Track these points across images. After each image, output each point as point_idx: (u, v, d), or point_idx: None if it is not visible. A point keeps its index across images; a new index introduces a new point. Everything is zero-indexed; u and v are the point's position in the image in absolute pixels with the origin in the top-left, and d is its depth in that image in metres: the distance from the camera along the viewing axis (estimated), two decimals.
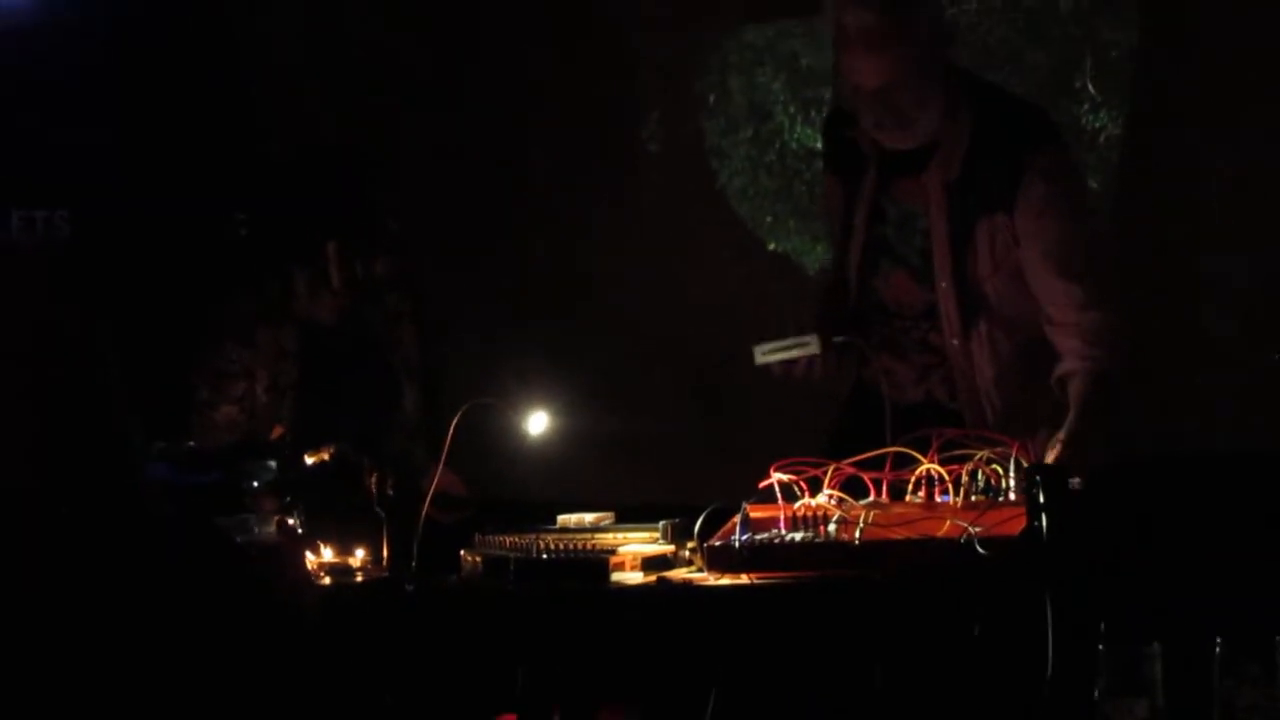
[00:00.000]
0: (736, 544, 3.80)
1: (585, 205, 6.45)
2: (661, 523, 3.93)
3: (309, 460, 4.32)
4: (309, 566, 4.06)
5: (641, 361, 6.13)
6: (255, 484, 4.18)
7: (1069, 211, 4.58)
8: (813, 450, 4.03)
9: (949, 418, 4.51)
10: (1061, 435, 4.39)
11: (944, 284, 4.56)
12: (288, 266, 4.93)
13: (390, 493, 4.17)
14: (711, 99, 6.56)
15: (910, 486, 3.88)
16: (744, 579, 3.74)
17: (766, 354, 4.47)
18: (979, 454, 3.88)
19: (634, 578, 3.80)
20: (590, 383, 4.98)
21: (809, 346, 4.45)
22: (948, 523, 3.71)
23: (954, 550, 3.62)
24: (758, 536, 3.82)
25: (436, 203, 6.09)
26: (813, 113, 6.29)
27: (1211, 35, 5.77)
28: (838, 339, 4.48)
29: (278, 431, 4.79)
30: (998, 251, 4.53)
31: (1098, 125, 6.04)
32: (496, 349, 5.38)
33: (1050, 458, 4.35)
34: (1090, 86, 6.02)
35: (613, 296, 6.36)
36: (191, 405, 4.99)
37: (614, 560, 3.82)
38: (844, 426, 4.69)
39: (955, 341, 4.58)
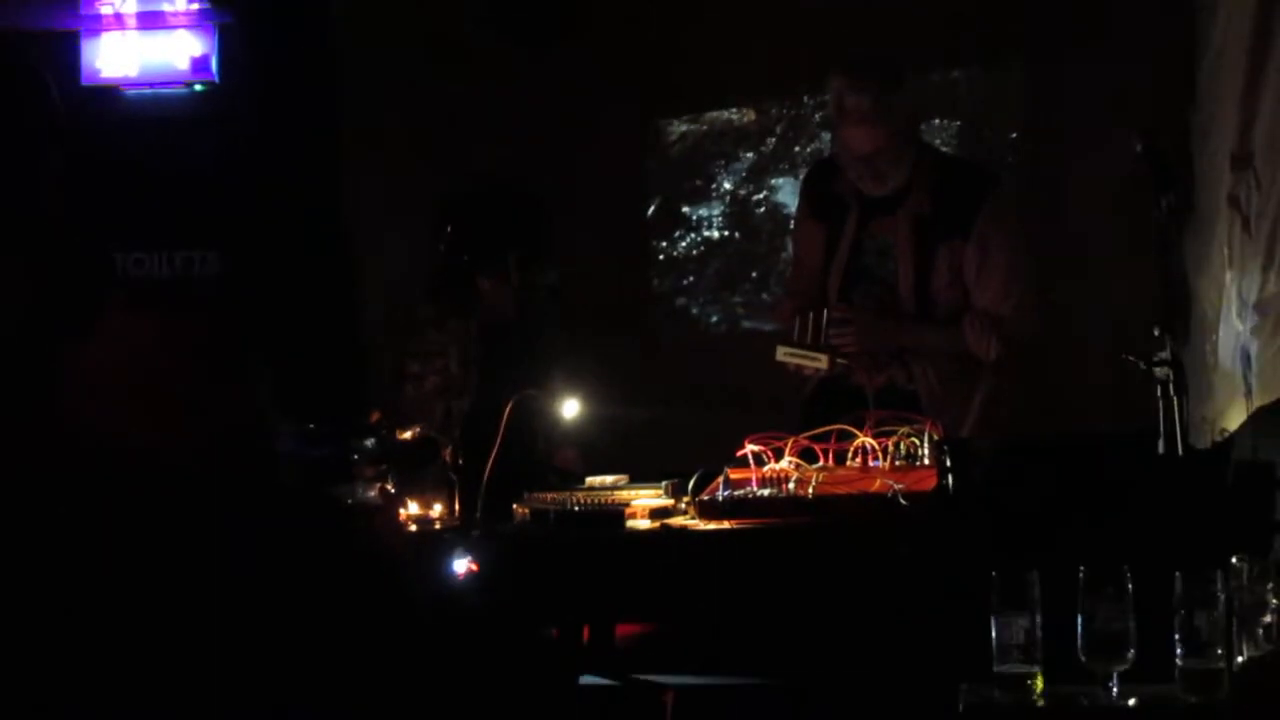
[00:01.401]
0: (720, 498, 3.81)
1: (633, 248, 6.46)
2: (664, 482, 3.93)
3: (400, 437, 4.34)
4: (400, 519, 4.09)
5: (656, 366, 6.15)
6: (358, 456, 4.20)
7: (1014, 233, 4.72)
8: (781, 428, 4.06)
9: (907, 397, 4.58)
10: (977, 405, 4.48)
11: (907, 296, 4.62)
12: (475, 274, 5.01)
13: (460, 462, 4.18)
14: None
15: (850, 455, 3.91)
16: (725, 525, 3.74)
17: (785, 355, 4.53)
18: (901, 430, 3.91)
19: (643, 524, 3.79)
20: (616, 379, 4.98)
21: (819, 362, 4.50)
22: (878, 482, 3.72)
23: (883, 502, 3.64)
24: (736, 493, 3.83)
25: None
26: None
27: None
28: (840, 360, 4.52)
29: (375, 416, 4.80)
30: (951, 269, 4.62)
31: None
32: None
33: (969, 424, 4.44)
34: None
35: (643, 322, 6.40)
36: (405, 377, 5.09)
37: (628, 511, 3.81)
38: (814, 408, 4.72)
39: None
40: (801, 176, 4.71)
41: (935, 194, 4.62)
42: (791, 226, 5.08)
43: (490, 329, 5.10)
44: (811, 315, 4.48)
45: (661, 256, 6.73)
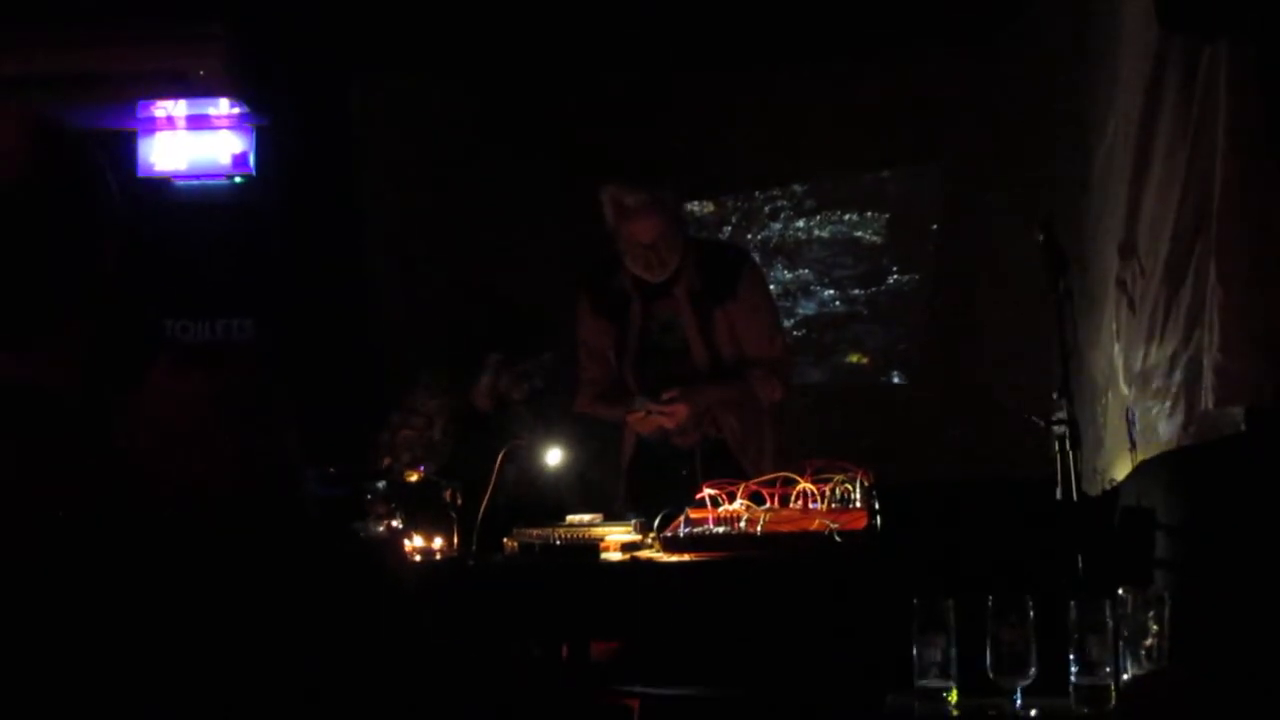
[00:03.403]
0: (681, 534, 3.83)
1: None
2: (633, 520, 3.97)
3: (407, 480, 4.34)
4: (406, 550, 4.08)
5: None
6: (370, 496, 4.20)
7: (768, 293, 4.94)
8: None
9: (718, 445, 4.65)
10: (771, 442, 4.62)
11: (700, 357, 4.67)
12: (465, 369, 5.08)
13: (459, 502, 4.19)
14: None
15: (792, 498, 3.92)
16: (686, 557, 3.76)
17: (644, 410, 4.57)
18: (837, 476, 3.92)
19: (615, 556, 3.82)
20: (594, 432, 4.99)
21: (679, 416, 4.55)
22: (817, 521, 3.74)
23: (821, 539, 3.67)
24: (695, 530, 3.85)
25: None
26: None
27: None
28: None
29: (387, 462, 4.80)
30: (729, 328, 4.69)
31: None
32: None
33: (768, 459, 4.53)
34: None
35: None
36: (386, 426, 5.07)
37: (602, 545, 3.84)
38: (637, 468, 4.77)
39: None
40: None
41: (702, 271, 4.69)
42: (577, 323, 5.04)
43: (472, 413, 5.11)
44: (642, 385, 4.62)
45: None
